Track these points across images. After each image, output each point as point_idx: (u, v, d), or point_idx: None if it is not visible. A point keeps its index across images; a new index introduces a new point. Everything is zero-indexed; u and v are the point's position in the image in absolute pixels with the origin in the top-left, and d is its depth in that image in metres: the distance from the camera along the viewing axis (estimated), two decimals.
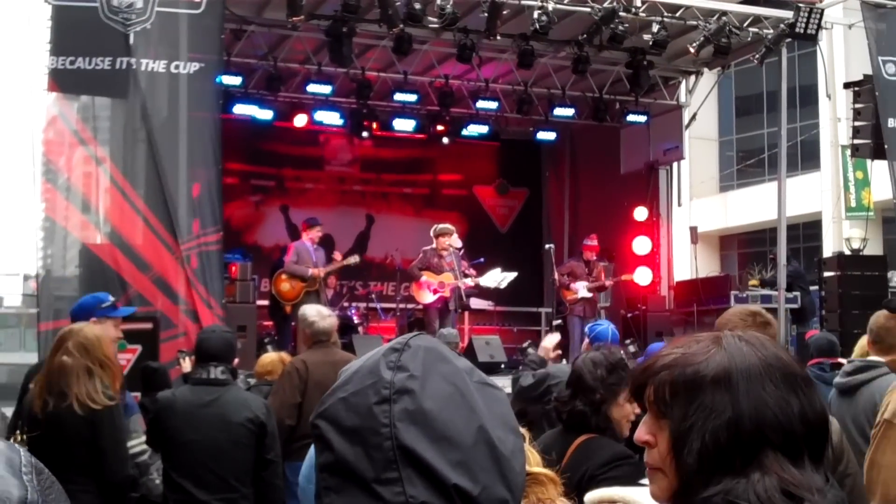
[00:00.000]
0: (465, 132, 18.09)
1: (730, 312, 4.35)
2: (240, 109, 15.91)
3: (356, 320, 15.38)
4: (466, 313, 15.55)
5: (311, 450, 6.54)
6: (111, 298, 6.34)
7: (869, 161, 14.90)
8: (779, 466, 1.59)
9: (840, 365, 6.69)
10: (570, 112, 17.23)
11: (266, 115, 16.59)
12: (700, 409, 1.64)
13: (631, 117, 17.24)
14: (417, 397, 1.27)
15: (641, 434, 1.73)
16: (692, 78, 17.23)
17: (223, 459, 5.43)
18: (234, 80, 15.14)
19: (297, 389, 6.80)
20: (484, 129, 18.17)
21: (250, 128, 16.97)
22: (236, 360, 5.80)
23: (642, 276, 17.18)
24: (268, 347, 12.20)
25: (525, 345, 12.73)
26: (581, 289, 14.96)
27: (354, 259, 14.10)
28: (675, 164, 18.22)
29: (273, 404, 6.60)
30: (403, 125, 17.71)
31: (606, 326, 6.88)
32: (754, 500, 1.56)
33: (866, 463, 3.85)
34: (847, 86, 15.02)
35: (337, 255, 14.08)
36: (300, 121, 17.15)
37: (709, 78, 17.55)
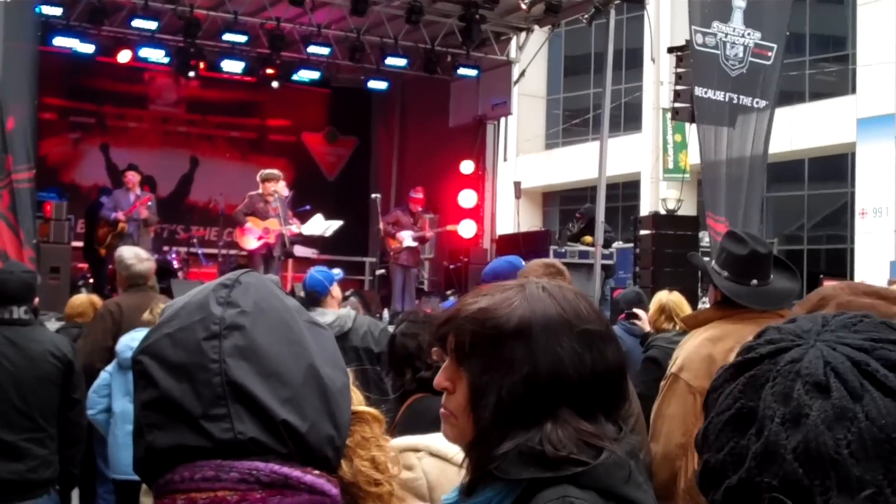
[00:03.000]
0: (295, 77, 17.84)
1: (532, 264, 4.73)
2: (60, 42, 15.32)
3: (176, 265, 15.07)
4: (290, 260, 15.44)
5: (109, 369, 6.31)
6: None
7: (687, 125, 15.36)
8: (573, 419, 1.61)
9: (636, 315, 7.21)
10: (402, 62, 17.18)
11: (87, 48, 16.01)
12: (499, 362, 1.64)
13: (461, 70, 17.34)
14: (248, 333, 1.25)
15: (441, 380, 1.74)
16: (523, 35, 17.42)
17: (30, 397, 5.27)
18: (54, 11, 14.53)
19: (109, 332, 6.63)
20: (315, 74, 17.92)
21: (70, 61, 16.40)
22: (37, 300, 5.58)
23: (466, 228, 17.39)
24: (81, 290, 11.88)
25: (348, 293, 12.73)
26: (406, 238, 15.03)
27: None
28: (502, 120, 18.45)
29: (84, 347, 6.43)
30: (232, 66, 17.35)
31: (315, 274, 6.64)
32: (549, 449, 1.58)
33: (653, 413, 4.05)
34: (671, 50, 15.37)
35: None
36: (124, 57, 16.62)
37: (539, 36, 17.78)
